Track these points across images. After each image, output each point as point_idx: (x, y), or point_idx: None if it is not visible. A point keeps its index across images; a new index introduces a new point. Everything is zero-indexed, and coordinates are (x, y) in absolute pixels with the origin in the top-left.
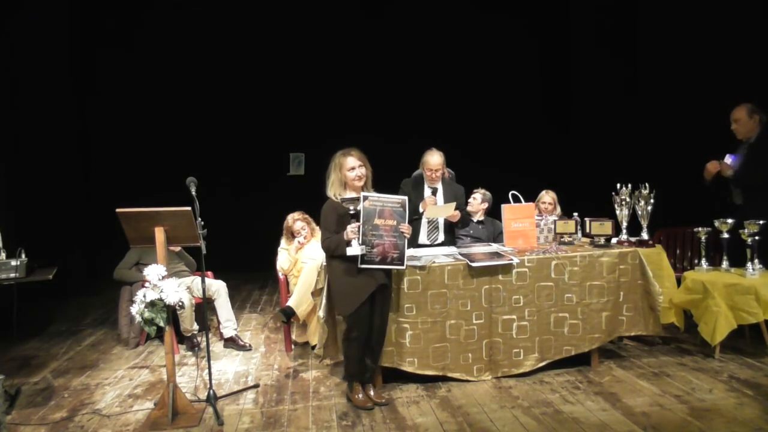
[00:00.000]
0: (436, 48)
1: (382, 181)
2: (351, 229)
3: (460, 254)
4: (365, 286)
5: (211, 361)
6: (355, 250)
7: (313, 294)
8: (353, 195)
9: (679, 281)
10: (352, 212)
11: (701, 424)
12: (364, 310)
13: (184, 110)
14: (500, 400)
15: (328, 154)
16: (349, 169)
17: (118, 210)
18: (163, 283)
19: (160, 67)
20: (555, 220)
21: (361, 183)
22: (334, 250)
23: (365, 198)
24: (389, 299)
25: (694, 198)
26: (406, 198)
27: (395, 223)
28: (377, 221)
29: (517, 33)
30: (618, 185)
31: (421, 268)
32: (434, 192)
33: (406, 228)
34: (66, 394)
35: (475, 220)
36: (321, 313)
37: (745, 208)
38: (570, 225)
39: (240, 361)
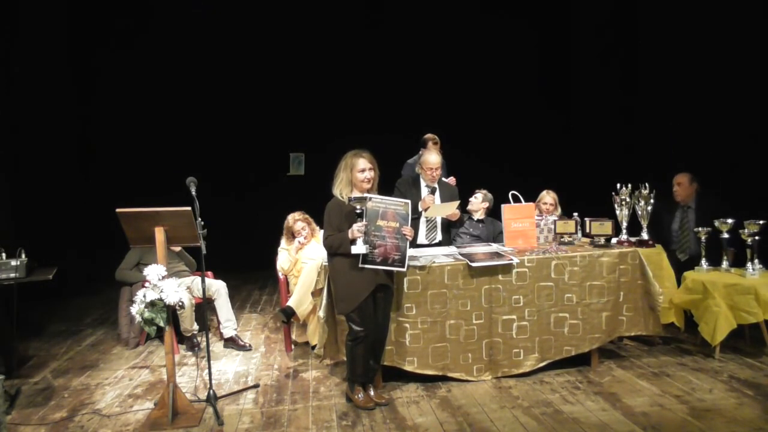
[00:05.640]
0: (437, 49)
1: (381, 181)
2: (357, 227)
3: (460, 254)
4: (365, 285)
5: (211, 361)
6: (359, 248)
7: (313, 294)
8: (360, 195)
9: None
10: (359, 211)
11: (701, 424)
12: (369, 309)
13: (185, 110)
14: (500, 400)
15: (329, 154)
16: (360, 171)
17: (118, 210)
18: (163, 283)
19: (160, 67)
20: (555, 220)
21: (369, 186)
22: (337, 248)
23: (369, 199)
24: (390, 299)
25: None
26: (409, 201)
27: (398, 225)
28: (380, 222)
29: (517, 34)
30: (618, 185)
31: (421, 268)
32: (432, 191)
33: (408, 231)
34: (66, 394)
35: (475, 219)
36: (321, 313)
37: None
38: (570, 225)
39: (240, 361)
